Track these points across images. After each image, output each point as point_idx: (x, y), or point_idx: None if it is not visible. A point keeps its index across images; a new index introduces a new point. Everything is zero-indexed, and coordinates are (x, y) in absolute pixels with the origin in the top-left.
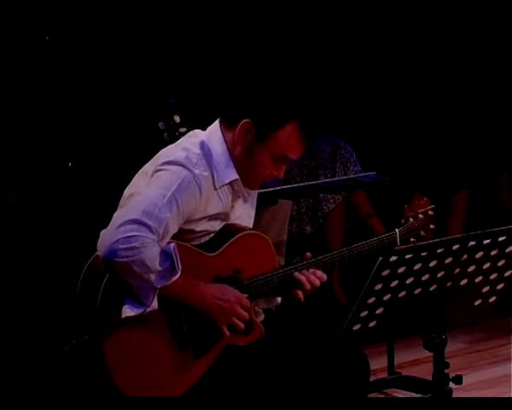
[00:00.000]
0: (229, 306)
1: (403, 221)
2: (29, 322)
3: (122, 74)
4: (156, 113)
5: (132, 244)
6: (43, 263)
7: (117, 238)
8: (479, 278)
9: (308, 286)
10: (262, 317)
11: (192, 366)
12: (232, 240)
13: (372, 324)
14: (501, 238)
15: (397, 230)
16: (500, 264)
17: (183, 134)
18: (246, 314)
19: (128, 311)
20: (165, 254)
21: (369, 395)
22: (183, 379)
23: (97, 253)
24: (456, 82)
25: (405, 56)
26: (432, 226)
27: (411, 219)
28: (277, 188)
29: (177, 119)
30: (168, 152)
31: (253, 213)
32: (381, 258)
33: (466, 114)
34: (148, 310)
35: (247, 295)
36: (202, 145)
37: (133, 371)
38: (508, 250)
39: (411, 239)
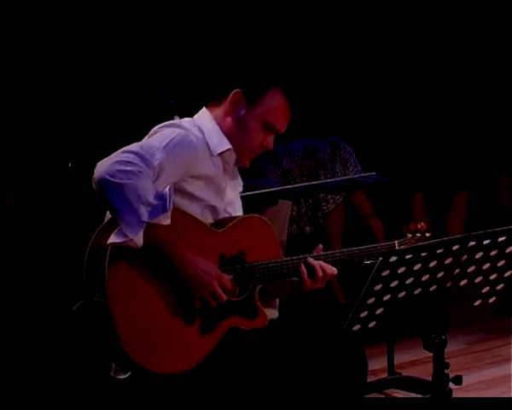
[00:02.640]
0: (208, 279)
1: (403, 234)
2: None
3: (122, 75)
4: (156, 114)
5: (128, 168)
6: (43, 263)
7: (116, 160)
8: (479, 279)
9: (320, 273)
10: (276, 314)
11: (197, 341)
12: (237, 220)
13: (372, 324)
14: (501, 239)
15: (396, 242)
16: (500, 264)
17: None
18: (222, 295)
19: (113, 238)
20: (160, 195)
21: (369, 396)
22: (188, 352)
23: (93, 176)
24: (455, 82)
25: (405, 56)
26: None
27: (409, 235)
28: (277, 188)
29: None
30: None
31: (240, 204)
32: (381, 258)
33: (466, 114)
34: (133, 242)
35: (231, 277)
36: (192, 121)
37: (140, 335)
38: (508, 251)
39: None
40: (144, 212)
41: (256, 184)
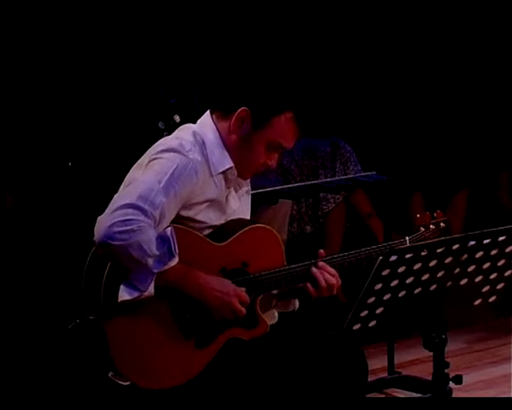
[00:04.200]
0: (227, 299)
1: (413, 229)
2: (30, 310)
3: (121, 74)
4: (156, 113)
5: (128, 227)
6: (43, 263)
7: (112, 222)
8: (479, 278)
9: (323, 283)
10: (275, 320)
11: (194, 356)
12: (241, 232)
13: (372, 323)
14: (501, 238)
15: (407, 237)
16: (500, 264)
17: None
18: (243, 310)
19: (124, 295)
20: (163, 239)
21: (369, 395)
22: (184, 368)
23: (94, 239)
24: (455, 82)
25: (405, 56)
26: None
27: (422, 229)
28: (277, 188)
29: (176, 118)
30: (161, 142)
31: (248, 209)
32: (381, 257)
33: (466, 114)
34: (144, 295)
35: (245, 288)
36: (195, 134)
37: (134, 355)
38: (508, 250)
39: None
40: (152, 263)
41: (256, 183)
